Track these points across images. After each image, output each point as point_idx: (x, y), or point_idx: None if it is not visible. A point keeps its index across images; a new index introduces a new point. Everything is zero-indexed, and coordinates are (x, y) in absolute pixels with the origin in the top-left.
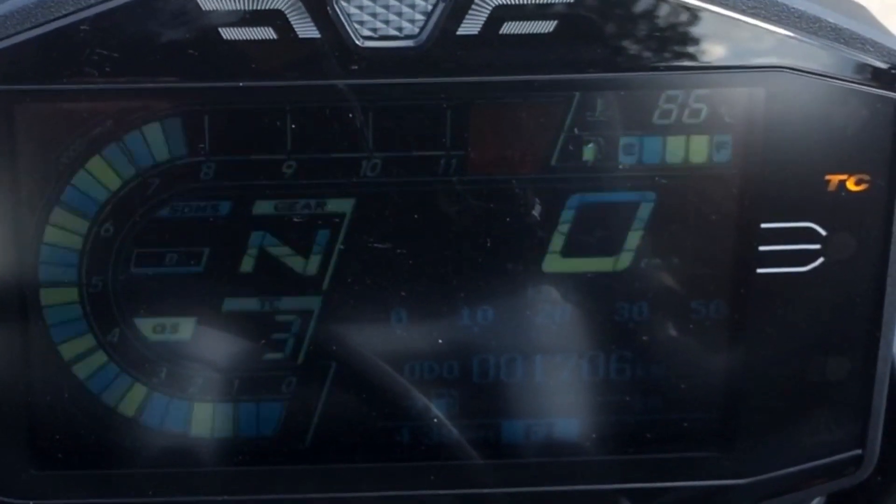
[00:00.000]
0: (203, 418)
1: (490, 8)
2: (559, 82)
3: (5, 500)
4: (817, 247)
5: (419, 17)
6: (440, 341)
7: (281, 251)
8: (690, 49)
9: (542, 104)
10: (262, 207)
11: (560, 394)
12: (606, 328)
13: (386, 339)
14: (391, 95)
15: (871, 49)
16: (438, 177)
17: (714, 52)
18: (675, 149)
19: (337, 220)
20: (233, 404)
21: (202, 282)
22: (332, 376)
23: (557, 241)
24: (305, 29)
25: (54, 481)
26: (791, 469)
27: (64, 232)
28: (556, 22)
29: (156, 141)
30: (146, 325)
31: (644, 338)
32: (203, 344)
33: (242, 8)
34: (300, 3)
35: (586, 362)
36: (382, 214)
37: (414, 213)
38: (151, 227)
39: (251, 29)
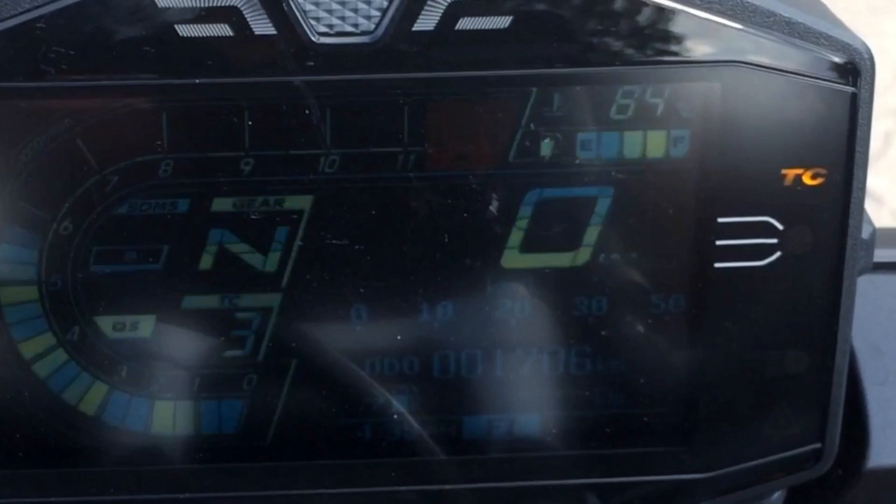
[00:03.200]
0: (164, 416)
1: (445, 4)
2: (515, 78)
3: None
4: (774, 241)
5: (375, 13)
6: (400, 337)
7: (240, 248)
8: (646, 44)
9: (499, 100)
10: (221, 204)
11: (521, 389)
12: (566, 323)
13: (346, 336)
14: (348, 92)
15: (826, 43)
16: (396, 173)
17: (670, 47)
18: (632, 144)
19: (295, 216)
20: (194, 402)
21: (161, 279)
22: (293, 373)
23: (516, 237)
24: (261, 26)
25: (15, 480)
26: (751, 463)
27: (22, 230)
28: (511, 17)
29: (114, 138)
30: (106, 323)
31: (604, 333)
32: (163, 341)
33: (198, 5)
34: (256, 0)
35: (546, 357)
36: (341, 211)
37: (372, 209)
38: (110, 224)
39: (207, 26)
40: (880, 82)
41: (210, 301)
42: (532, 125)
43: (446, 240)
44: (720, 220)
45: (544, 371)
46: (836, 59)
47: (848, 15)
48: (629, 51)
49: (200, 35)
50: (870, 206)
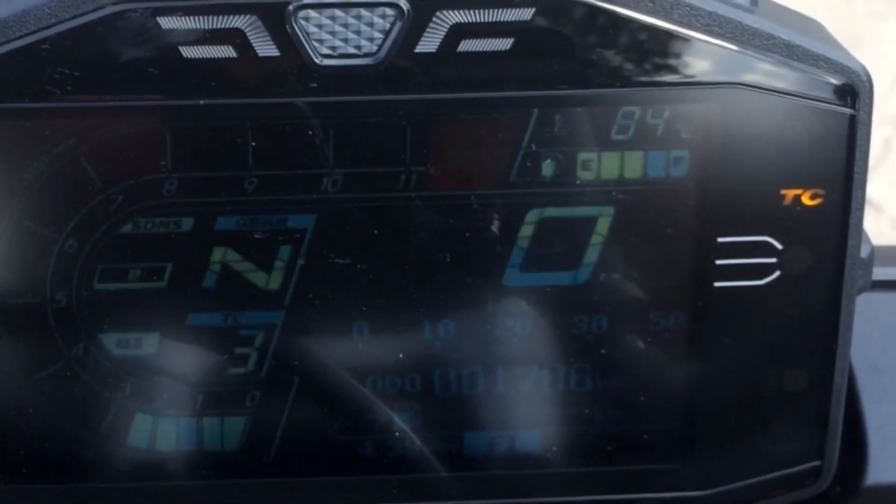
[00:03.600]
0: (167, 432)
1: (448, 26)
2: (517, 99)
3: None
4: (773, 260)
5: (378, 35)
6: (402, 355)
7: (243, 266)
8: (647, 66)
9: (501, 121)
10: (225, 223)
11: (521, 406)
12: (566, 341)
13: (348, 353)
14: (351, 113)
15: (825, 65)
16: (399, 193)
17: (670, 69)
18: (632, 164)
19: (298, 235)
20: (197, 418)
21: (165, 297)
22: (296, 390)
23: (517, 256)
24: (265, 47)
25: (20, 495)
26: (751, 480)
27: (28, 248)
28: (513, 39)
29: (118, 158)
30: (110, 341)
31: (604, 350)
32: (167, 358)
33: (203, 27)
34: (260, 23)
35: (547, 375)
36: (343, 230)
37: (375, 228)
38: (115, 243)
39: (211, 48)
40: (879, 89)
41: (213, 319)
42: (533, 146)
43: (448, 259)
44: (720, 239)
45: (545, 388)
46: (835, 81)
47: (848, 21)
48: (630, 72)
49: (204, 56)
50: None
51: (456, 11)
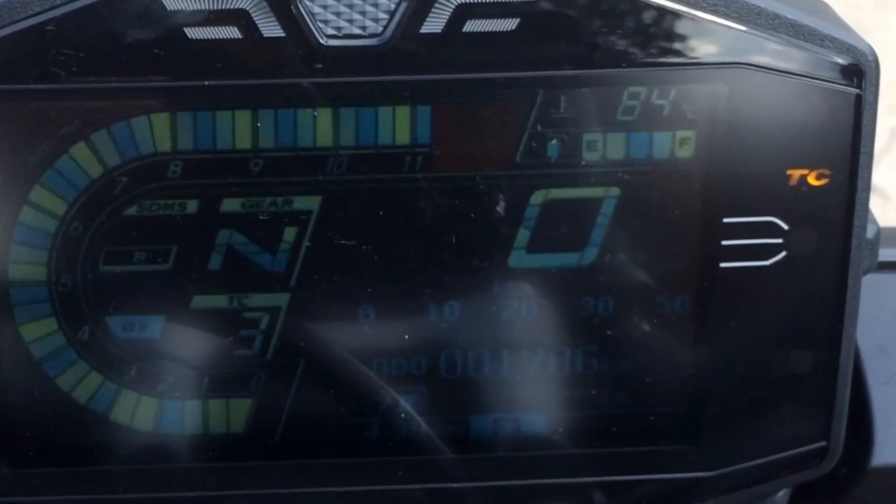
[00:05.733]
0: (173, 415)
1: (453, 6)
2: (522, 80)
3: None
4: (780, 241)
5: (383, 15)
6: (407, 337)
7: (248, 249)
8: (652, 46)
9: (506, 101)
10: (230, 205)
11: (527, 388)
12: (572, 323)
13: (354, 336)
14: (356, 93)
15: (831, 45)
16: (404, 174)
17: (675, 49)
18: (638, 145)
19: (304, 217)
20: (202, 401)
21: (171, 280)
22: (301, 372)
23: (523, 237)
24: (270, 28)
25: (26, 479)
26: (757, 461)
27: (33, 231)
28: (518, 20)
29: (123, 140)
30: (116, 324)
31: (610, 332)
32: (172, 341)
33: (207, 8)
34: (264, 3)
35: (553, 357)
36: (349, 211)
37: (380, 209)
38: (119, 225)
39: (216, 28)
40: (886, 78)
41: (219, 301)
42: (539, 126)
43: (453, 240)
44: (726, 220)
45: (550, 370)
46: (841, 61)
47: (853, 10)
48: (635, 53)
49: (209, 37)
50: (877, 203)
51: None
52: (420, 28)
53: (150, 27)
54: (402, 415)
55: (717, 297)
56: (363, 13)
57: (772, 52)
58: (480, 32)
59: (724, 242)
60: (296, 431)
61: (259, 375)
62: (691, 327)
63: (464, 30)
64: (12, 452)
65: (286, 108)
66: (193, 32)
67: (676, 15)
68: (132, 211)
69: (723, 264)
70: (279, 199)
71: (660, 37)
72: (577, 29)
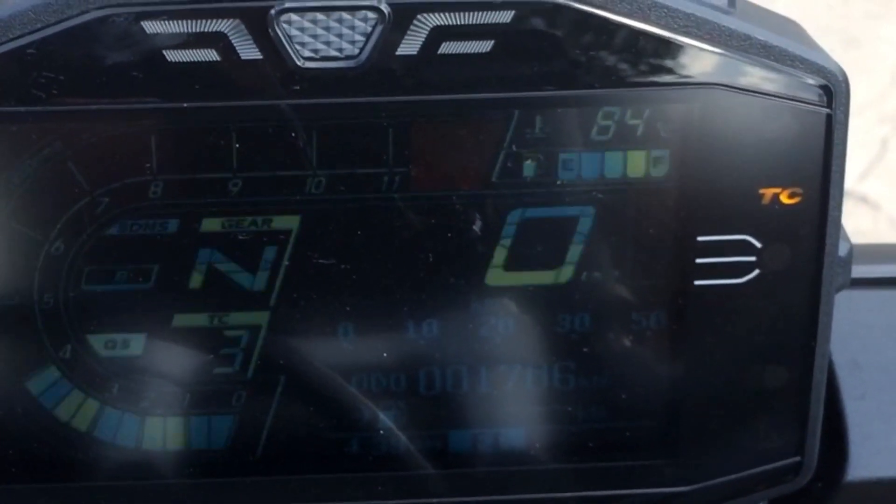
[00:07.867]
0: (155, 432)
1: (428, 29)
2: (498, 101)
3: None
4: (753, 259)
5: (359, 38)
6: (386, 354)
7: (229, 267)
8: (626, 67)
9: (482, 122)
10: (210, 225)
11: (505, 404)
12: (549, 339)
13: (333, 353)
14: (333, 114)
15: (801, 66)
16: (381, 194)
17: (649, 70)
18: (613, 164)
19: (283, 236)
20: (184, 418)
21: (152, 298)
22: (282, 389)
23: (500, 256)
24: (248, 51)
25: (9, 495)
26: (733, 476)
27: (15, 251)
28: (493, 42)
29: (104, 161)
30: (98, 342)
31: (586, 349)
32: (154, 359)
33: (186, 31)
34: (242, 26)
35: (530, 373)
36: (328, 231)
37: (358, 229)
38: (101, 245)
39: (195, 51)
40: (877, 88)
41: (200, 319)
42: (514, 146)
43: (431, 259)
44: (700, 238)
45: (528, 386)
46: (811, 82)
47: (844, 21)
48: (609, 74)
49: (188, 60)
50: (867, 213)
51: (436, 14)
52: (396, 50)
53: (130, 50)
54: (382, 431)
55: (692, 314)
56: (340, 35)
57: (744, 73)
58: (456, 54)
59: (699, 260)
60: (277, 448)
61: (240, 393)
62: (667, 344)
63: (439, 52)
64: None
65: (265, 129)
66: (172, 55)
67: (650, 37)
68: (114, 231)
69: (697, 282)
70: (259, 219)
71: (634, 58)
72: (551, 50)
